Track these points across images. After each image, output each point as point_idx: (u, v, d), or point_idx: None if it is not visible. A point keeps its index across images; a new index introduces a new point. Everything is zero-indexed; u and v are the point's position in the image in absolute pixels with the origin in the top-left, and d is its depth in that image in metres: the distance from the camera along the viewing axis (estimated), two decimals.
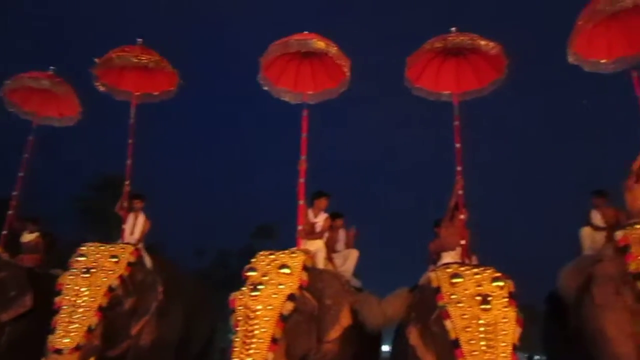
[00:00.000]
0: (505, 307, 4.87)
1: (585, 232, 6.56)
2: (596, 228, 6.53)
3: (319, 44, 6.48)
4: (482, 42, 6.30)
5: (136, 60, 7.31)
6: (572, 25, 6.15)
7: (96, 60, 7.43)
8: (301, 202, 6.44)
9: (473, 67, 6.89)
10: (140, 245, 6.80)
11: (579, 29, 6.10)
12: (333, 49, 6.55)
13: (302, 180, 6.47)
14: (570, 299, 5.82)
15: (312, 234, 6.55)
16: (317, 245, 6.43)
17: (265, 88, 7.17)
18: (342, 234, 7.28)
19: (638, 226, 5.12)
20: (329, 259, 6.74)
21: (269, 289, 5.25)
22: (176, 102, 8.25)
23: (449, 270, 5.21)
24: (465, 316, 4.84)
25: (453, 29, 6.45)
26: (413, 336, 5.23)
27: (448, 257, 5.93)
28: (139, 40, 7.54)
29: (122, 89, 7.97)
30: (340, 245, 7.23)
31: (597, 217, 6.59)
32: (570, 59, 6.40)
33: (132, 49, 7.40)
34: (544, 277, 6.82)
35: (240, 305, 5.19)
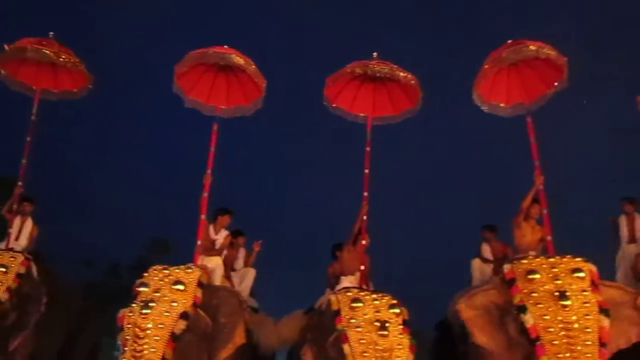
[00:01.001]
0: (401, 334, 4.99)
1: (476, 263, 6.92)
2: (485, 260, 6.92)
3: (238, 59, 6.41)
4: (402, 74, 6.51)
5: (54, 58, 6.77)
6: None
7: (6, 47, 6.77)
8: (203, 216, 6.26)
9: (390, 95, 7.09)
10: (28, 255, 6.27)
11: (484, 72, 6.47)
12: (251, 67, 6.51)
13: (205, 194, 6.29)
14: (458, 327, 6.07)
15: (211, 250, 6.37)
16: (215, 262, 6.28)
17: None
18: (242, 253, 7.16)
19: (524, 261, 5.40)
20: (227, 277, 6.60)
21: (161, 306, 5.01)
22: (81, 103, 7.74)
23: (349, 294, 5.26)
24: (363, 341, 4.88)
25: (375, 54, 6.64)
26: (307, 358, 5.20)
27: (347, 282, 5.98)
28: (51, 33, 6.99)
29: (21, 81, 7.32)
30: (239, 263, 7.11)
31: (486, 250, 6.99)
32: (475, 99, 6.78)
33: (50, 44, 6.84)
34: (436, 305, 7.06)
35: (129, 323, 4.89)
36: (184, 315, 5.02)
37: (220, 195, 6.70)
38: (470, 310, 5.53)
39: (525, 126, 6.50)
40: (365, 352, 4.81)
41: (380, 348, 4.83)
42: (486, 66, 6.41)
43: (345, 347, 4.85)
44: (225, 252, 6.64)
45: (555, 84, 6.58)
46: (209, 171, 6.38)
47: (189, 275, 5.33)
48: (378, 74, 6.58)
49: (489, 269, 6.78)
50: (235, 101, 7.14)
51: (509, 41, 6.40)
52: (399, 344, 4.91)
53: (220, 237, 6.53)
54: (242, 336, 5.48)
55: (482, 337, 5.40)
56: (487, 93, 6.84)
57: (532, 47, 6.14)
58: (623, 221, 7.37)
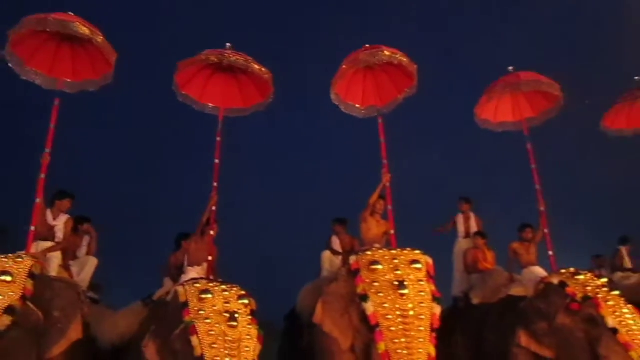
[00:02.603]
0: (249, 324, 4.97)
1: (325, 255, 7.18)
2: (335, 252, 7.21)
3: (83, 29, 5.91)
4: (256, 67, 6.52)
5: None
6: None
7: None
8: (39, 200, 5.73)
9: (241, 87, 7.08)
10: None
11: (343, 72, 6.72)
12: (99, 38, 6.04)
13: (42, 175, 5.77)
14: (306, 317, 6.22)
15: (48, 237, 5.85)
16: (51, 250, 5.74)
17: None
18: (86, 240, 6.66)
19: (369, 253, 5.69)
20: (66, 266, 6.08)
21: None
22: None
23: (198, 285, 5.12)
24: (212, 332, 4.79)
25: (228, 45, 6.56)
26: (150, 351, 4.98)
27: (193, 272, 5.88)
28: None
29: None
30: (82, 252, 6.59)
31: (336, 243, 7.30)
32: (332, 98, 6.99)
33: None
34: (288, 296, 7.18)
35: None
36: (9, 310, 4.55)
37: (63, 178, 6.19)
38: (319, 299, 5.73)
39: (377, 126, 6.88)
40: (214, 343, 4.72)
41: (230, 339, 4.77)
42: (344, 66, 6.67)
43: (194, 339, 4.72)
44: (65, 239, 6.13)
45: (406, 89, 7.06)
46: (47, 150, 5.88)
47: (18, 265, 4.85)
48: (233, 64, 6.54)
49: (338, 260, 7.08)
50: (82, 74, 6.61)
51: (367, 45, 6.71)
52: (247, 335, 4.89)
53: (59, 222, 6.01)
54: (78, 331, 5.11)
55: (328, 325, 5.60)
56: (344, 93, 7.12)
57: (386, 53, 6.52)
58: (460, 219, 8.19)
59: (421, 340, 5.14)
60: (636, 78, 8.06)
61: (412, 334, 5.16)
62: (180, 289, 5.14)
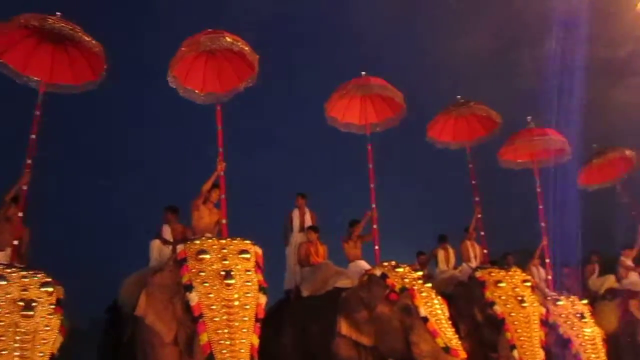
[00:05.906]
0: (50, 314, 4.61)
1: (155, 244, 6.84)
2: (165, 242, 6.89)
3: None
4: (86, 38, 6.04)
5: None
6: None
7: None
8: None
9: (71, 61, 6.52)
10: None
11: (182, 54, 6.44)
12: None
13: None
14: (128, 309, 5.90)
15: None
16: None
17: None
18: None
19: (197, 242, 5.53)
20: None
21: None
22: None
23: None
24: (2, 323, 4.36)
25: (58, 14, 6.02)
26: None
27: None
28: None
29: None
30: None
31: (167, 232, 6.97)
32: (169, 81, 6.65)
33: None
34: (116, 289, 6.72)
35: None
36: None
37: None
38: (141, 291, 5.49)
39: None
40: (2, 335, 4.30)
41: (22, 330, 4.39)
42: (183, 48, 6.40)
43: None
44: None
45: (247, 79, 6.97)
46: None
47: None
48: (58, 32, 6.00)
49: (168, 250, 6.77)
50: None
51: (209, 29, 6.51)
52: (46, 325, 4.53)
53: None
54: None
55: (150, 317, 5.39)
56: (184, 77, 6.82)
57: (228, 39, 6.36)
58: (296, 213, 8.33)
59: (245, 330, 5.11)
60: (458, 97, 8.89)
61: (236, 324, 5.11)
62: None
